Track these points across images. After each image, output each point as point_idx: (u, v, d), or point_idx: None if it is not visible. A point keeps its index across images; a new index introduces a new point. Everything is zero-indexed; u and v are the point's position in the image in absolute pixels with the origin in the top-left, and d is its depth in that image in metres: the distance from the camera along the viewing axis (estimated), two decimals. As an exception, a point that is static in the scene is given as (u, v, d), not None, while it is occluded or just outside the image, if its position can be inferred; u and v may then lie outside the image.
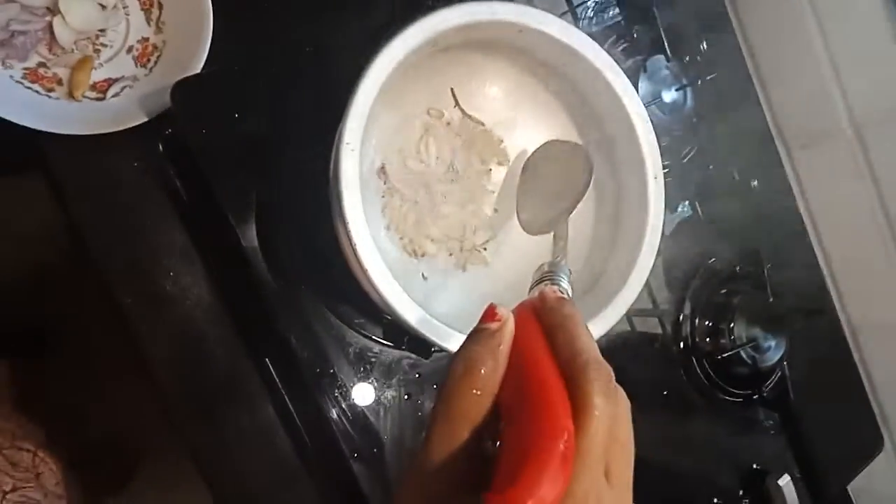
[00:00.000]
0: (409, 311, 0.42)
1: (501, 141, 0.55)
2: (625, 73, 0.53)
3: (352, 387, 0.56)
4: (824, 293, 0.85)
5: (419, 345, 0.56)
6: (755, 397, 0.77)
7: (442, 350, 0.55)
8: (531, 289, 0.35)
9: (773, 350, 0.76)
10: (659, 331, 0.73)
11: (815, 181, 0.84)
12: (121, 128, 0.52)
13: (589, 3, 0.74)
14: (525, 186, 0.52)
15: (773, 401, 0.78)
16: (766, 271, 0.76)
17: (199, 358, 0.57)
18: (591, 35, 0.71)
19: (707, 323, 0.75)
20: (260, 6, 0.60)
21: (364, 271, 0.41)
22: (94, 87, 0.54)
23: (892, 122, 0.75)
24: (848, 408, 0.88)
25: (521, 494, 0.23)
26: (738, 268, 0.77)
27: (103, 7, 0.54)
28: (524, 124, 0.56)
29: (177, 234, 0.57)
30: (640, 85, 0.71)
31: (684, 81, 0.74)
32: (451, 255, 0.54)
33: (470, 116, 0.54)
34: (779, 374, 0.78)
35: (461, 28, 0.44)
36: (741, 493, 0.76)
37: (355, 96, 0.40)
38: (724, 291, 0.76)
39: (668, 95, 0.73)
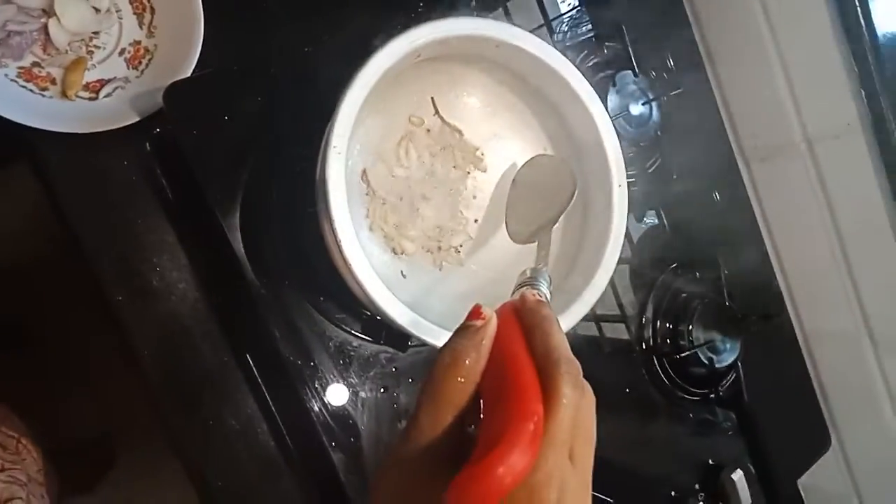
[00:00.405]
0: (391, 306, 0.45)
1: (478, 148, 0.58)
2: (595, 86, 0.56)
3: (331, 379, 0.58)
4: (779, 299, 0.90)
5: (397, 339, 0.59)
6: (711, 396, 0.82)
7: (419, 345, 0.58)
8: (514, 291, 0.39)
9: (729, 352, 0.80)
10: (625, 336, 0.77)
11: (771, 193, 0.89)
12: (112, 127, 0.54)
13: (564, 17, 0.77)
14: (513, 199, 0.55)
15: (729, 400, 0.83)
16: (723, 277, 0.81)
17: (183, 353, 0.59)
18: (564, 50, 0.76)
19: (668, 325, 0.79)
20: (250, 12, 0.62)
21: (349, 269, 0.43)
22: (86, 87, 0.56)
23: (842, 136, 0.80)
24: (798, 408, 0.92)
25: (493, 462, 0.27)
26: (697, 273, 0.81)
27: (97, 10, 0.56)
28: (500, 133, 0.59)
29: (164, 232, 0.59)
30: (608, 98, 0.75)
31: (650, 96, 0.78)
32: (429, 252, 0.57)
33: (448, 124, 0.57)
34: (734, 374, 0.83)
35: (443, 41, 0.47)
36: (697, 486, 0.80)
37: (343, 103, 0.43)
38: (684, 295, 0.80)
39: (636, 109, 0.77)
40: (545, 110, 0.58)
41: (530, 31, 0.70)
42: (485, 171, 0.59)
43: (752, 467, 0.84)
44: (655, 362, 0.78)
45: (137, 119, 0.55)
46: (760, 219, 0.90)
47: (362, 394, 0.59)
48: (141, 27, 0.58)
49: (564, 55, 0.54)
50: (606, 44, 0.77)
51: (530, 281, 0.39)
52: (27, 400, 0.71)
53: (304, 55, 0.62)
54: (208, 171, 0.55)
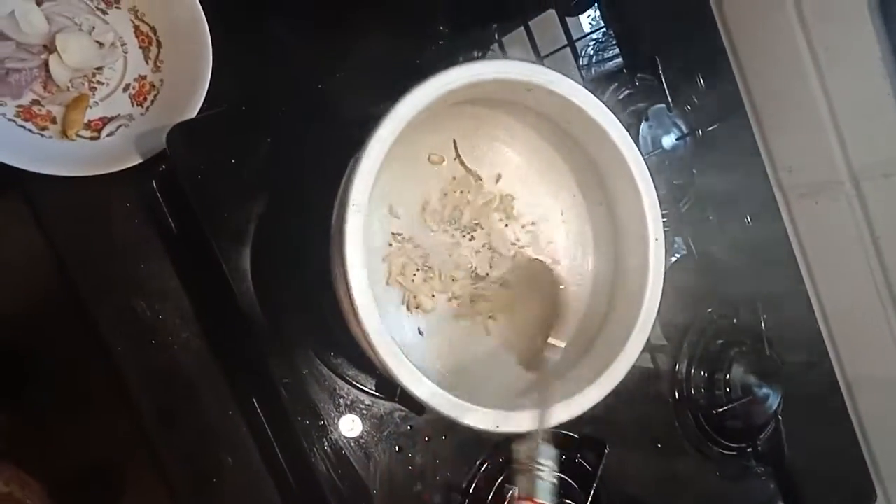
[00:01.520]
0: (410, 378, 0.41)
1: (512, 197, 0.55)
2: (626, 120, 0.52)
3: (341, 438, 0.54)
4: (820, 344, 0.85)
5: (413, 399, 0.55)
6: (749, 450, 0.77)
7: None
8: (515, 464, 0.40)
9: (769, 402, 0.75)
10: (653, 370, 0.72)
11: (812, 232, 0.84)
12: (114, 169, 0.51)
13: (589, 41, 0.74)
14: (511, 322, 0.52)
15: (767, 453, 0.77)
16: (763, 323, 0.76)
17: (185, 405, 0.56)
18: (592, 80, 0.72)
19: (703, 374, 0.74)
20: (260, 45, 0.59)
21: (366, 337, 0.40)
22: (88, 125, 0.53)
23: (891, 176, 0.75)
24: (841, 459, 0.87)
25: None
26: (735, 319, 0.76)
27: (101, 45, 0.53)
28: (528, 179, 0.55)
29: (168, 278, 0.56)
30: (640, 134, 0.71)
31: (685, 130, 0.74)
32: (449, 304, 0.53)
33: (469, 169, 0.53)
34: (773, 426, 0.78)
35: (475, 86, 0.43)
36: (733, 546, 0.75)
37: (362, 158, 0.39)
38: (720, 342, 0.75)
39: (669, 144, 0.73)
40: (575, 155, 0.54)
41: (553, 52, 0.68)
42: (512, 219, 0.55)
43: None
44: (689, 414, 0.73)
45: (141, 160, 0.52)
46: (801, 259, 0.85)
47: (375, 455, 0.55)
48: (147, 62, 0.55)
49: (593, 88, 0.50)
50: (638, 74, 0.73)
51: (528, 467, 0.39)
52: (30, 439, 0.68)
53: (316, 91, 0.58)
54: (214, 216, 0.52)
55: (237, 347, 0.56)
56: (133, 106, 0.55)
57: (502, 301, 0.54)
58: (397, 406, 0.56)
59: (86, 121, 0.53)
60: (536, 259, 0.54)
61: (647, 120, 0.72)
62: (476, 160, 0.54)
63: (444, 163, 0.54)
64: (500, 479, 0.59)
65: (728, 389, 0.73)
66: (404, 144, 0.48)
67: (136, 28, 0.55)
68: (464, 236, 0.54)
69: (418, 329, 0.51)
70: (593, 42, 0.76)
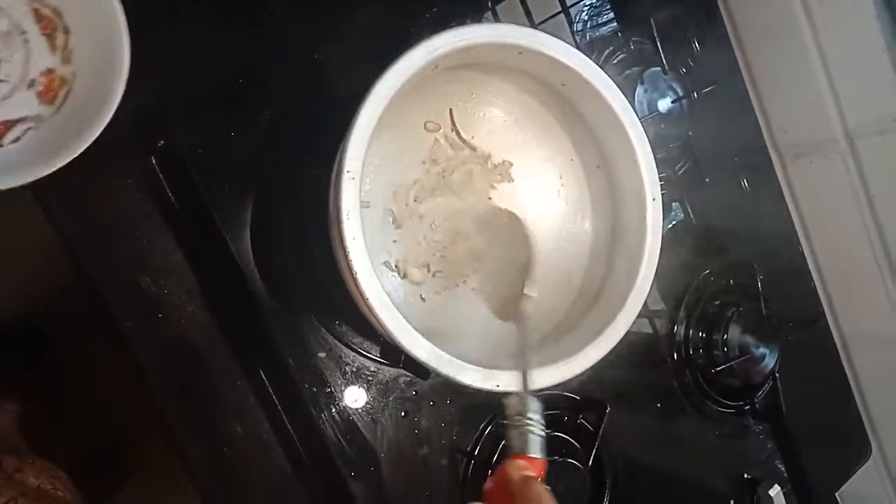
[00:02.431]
0: (411, 341, 0.42)
1: (510, 163, 0.55)
2: (621, 84, 0.52)
3: (348, 405, 0.55)
4: (816, 303, 0.86)
5: (417, 364, 0.56)
6: (746, 408, 0.78)
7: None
8: (506, 421, 0.41)
9: (766, 361, 0.76)
10: (652, 335, 0.73)
11: (807, 192, 0.84)
12: (23, 181, 0.44)
13: (582, 6, 0.73)
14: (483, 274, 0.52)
15: (764, 411, 0.79)
16: (759, 283, 0.76)
17: (194, 378, 0.56)
18: (587, 45, 0.72)
19: (700, 334, 0.75)
20: (250, 13, 0.58)
21: (365, 301, 0.40)
22: None
23: (888, 132, 0.76)
24: (837, 416, 0.89)
25: None
26: (731, 281, 0.77)
27: None
28: (524, 143, 0.55)
29: (172, 252, 0.56)
30: (636, 98, 0.71)
31: (681, 93, 0.74)
32: (448, 272, 0.54)
33: (464, 140, 0.54)
34: (770, 384, 0.79)
35: (464, 50, 0.44)
36: (732, 501, 0.77)
37: (355, 124, 0.40)
38: (717, 303, 0.76)
39: (665, 107, 0.73)
40: (571, 118, 0.54)
41: (547, 19, 0.68)
42: (511, 182, 0.56)
43: (788, 479, 0.81)
44: (688, 374, 0.74)
45: (55, 169, 0.45)
46: (797, 219, 0.85)
47: (382, 420, 0.57)
48: (53, 51, 0.47)
49: (588, 52, 0.50)
50: (632, 38, 0.73)
51: (518, 423, 0.40)
52: (46, 414, 0.70)
53: (313, 62, 0.58)
54: (215, 189, 0.52)
55: (243, 319, 0.56)
56: (41, 104, 0.46)
57: (479, 258, 0.55)
58: (402, 372, 0.57)
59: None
60: (506, 210, 0.54)
61: (642, 83, 0.72)
62: (472, 126, 0.54)
63: (441, 130, 0.54)
64: (504, 441, 0.60)
65: (726, 349, 0.74)
66: (398, 112, 0.48)
67: (36, 11, 0.46)
68: (458, 205, 0.55)
69: (420, 296, 0.52)
70: (587, 7, 0.76)
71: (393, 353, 0.56)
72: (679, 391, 0.74)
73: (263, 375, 0.58)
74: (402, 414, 0.57)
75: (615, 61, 0.72)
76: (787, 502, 0.77)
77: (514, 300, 0.48)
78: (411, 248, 0.52)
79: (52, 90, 0.47)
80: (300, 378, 0.54)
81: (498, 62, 0.49)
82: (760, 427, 0.80)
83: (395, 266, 0.53)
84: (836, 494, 0.89)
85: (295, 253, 0.55)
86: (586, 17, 0.76)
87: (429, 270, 0.53)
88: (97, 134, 0.45)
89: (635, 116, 0.50)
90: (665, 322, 0.74)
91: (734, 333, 0.74)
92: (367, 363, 0.56)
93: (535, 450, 0.39)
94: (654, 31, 0.70)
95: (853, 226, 0.81)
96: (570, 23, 0.68)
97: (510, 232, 0.51)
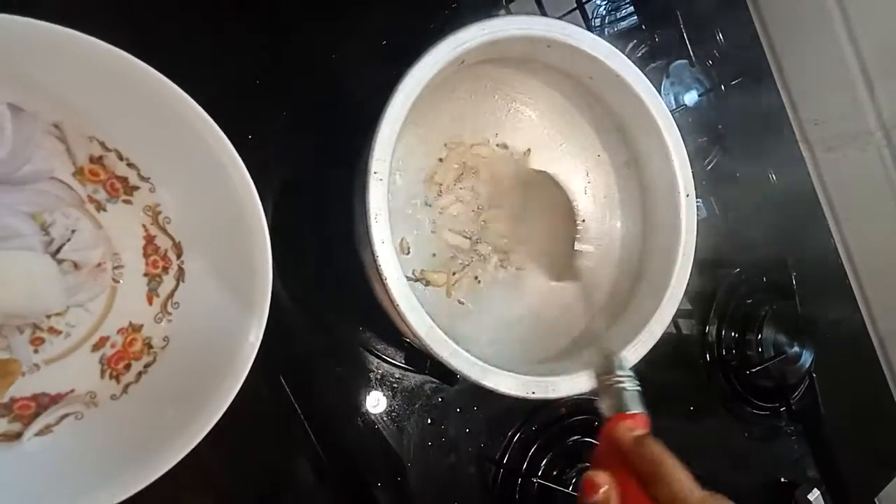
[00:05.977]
0: (441, 347, 0.40)
1: (528, 160, 0.53)
2: (647, 78, 0.50)
3: (373, 413, 0.54)
4: (851, 300, 0.83)
5: (443, 371, 0.54)
6: (782, 409, 0.75)
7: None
8: (599, 385, 0.38)
9: (801, 361, 0.74)
10: (681, 335, 0.71)
11: (840, 185, 0.82)
12: None
13: (599, 1, 0.71)
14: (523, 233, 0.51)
15: (800, 413, 0.76)
16: (793, 280, 0.74)
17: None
18: (609, 39, 0.70)
19: (733, 334, 0.72)
20: (268, 12, 0.57)
21: (396, 307, 0.39)
22: (8, 409, 0.29)
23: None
24: (875, 417, 0.86)
25: None
26: (764, 278, 0.75)
27: (76, 268, 0.28)
28: (550, 140, 0.53)
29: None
30: (662, 91, 0.69)
31: (708, 86, 0.72)
32: (478, 271, 0.52)
33: (487, 141, 0.52)
34: (807, 384, 0.76)
35: (492, 44, 0.42)
36: (768, 506, 0.74)
37: (381, 125, 0.38)
38: (750, 302, 0.74)
39: (692, 101, 0.71)
40: (599, 113, 0.52)
41: (562, 15, 0.66)
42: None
43: (824, 482, 0.78)
44: (721, 376, 0.72)
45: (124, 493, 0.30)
46: (829, 214, 0.83)
47: (408, 428, 0.55)
48: (150, 301, 0.33)
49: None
50: (657, 31, 0.71)
51: (608, 380, 0.37)
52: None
53: (331, 61, 0.57)
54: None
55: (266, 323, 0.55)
56: (102, 379, 0.31)
57: (519, 233, 0.53)
58: (428, 378, 0.55)
59: (5, 399, 0.28)
60: (539, 171, 0.52)
61: (668, 77, 0.70)
62: (496, 123, 0.52)
63: (464, 134, 0.52)
64: (533, 448, 0.58)
65: (760, 349, 0.72)
66: (424, 112, 0.46)
67: (149, 241, 0.32)
68: (484, 205, 0.53)
69: (458, 300, 0.51)
70: (605, 2, 0.74)
71: (418, 359, 0.54)
72: (713, 393, 0.72)
73: (283, 381, 0.57)
74: (429, 421, 0.56)
75: (639, 54, 0.70)
76: (825, 506, 0.75)
77: (566, 262, 0.46)
78: (441, 245, 0.51)
79: (124, 358, 0.31)
80: (323, 385, 0.53)
81: (523, 57, 0.47)
82: (792, 428, 0.78)
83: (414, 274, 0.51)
84: (875, 499, 0.86)
85: (315, 256, 0.53)
86: (604, 12, 0.74)
87: (462, 268, 0.51)
88: (179, 457, 0.29)
89: (665, 108, 0.48)
90: (695, 322, 0.72)
91: (768, 333, 0.72)
92: (392, 370, 0.55)
93: (635, 405, 0.37)
94: (681, 22, 0.68)
95: (889, 219, 0.78)
96: (586, 18, 0.66)
97: (548, 194, 0.49)
